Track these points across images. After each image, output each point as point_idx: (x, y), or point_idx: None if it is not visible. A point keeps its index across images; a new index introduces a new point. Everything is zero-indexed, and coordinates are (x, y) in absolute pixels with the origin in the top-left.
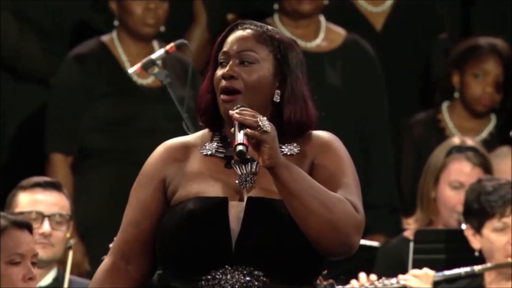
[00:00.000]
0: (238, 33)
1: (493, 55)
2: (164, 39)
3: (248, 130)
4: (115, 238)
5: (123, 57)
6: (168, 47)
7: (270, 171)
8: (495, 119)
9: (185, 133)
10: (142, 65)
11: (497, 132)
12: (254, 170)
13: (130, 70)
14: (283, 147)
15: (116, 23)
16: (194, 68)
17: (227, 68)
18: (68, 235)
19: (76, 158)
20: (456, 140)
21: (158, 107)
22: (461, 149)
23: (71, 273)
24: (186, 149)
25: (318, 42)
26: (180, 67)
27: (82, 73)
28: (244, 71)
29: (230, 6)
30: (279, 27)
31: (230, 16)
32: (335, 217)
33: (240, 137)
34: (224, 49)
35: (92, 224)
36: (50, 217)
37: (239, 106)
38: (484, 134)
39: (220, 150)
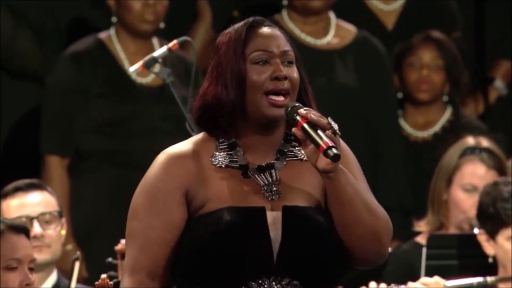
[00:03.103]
0: (267, 31)
1: (427, 42)
2: (165, 37)
3: (328, 132)
4: (128, 256)
5: (122, 55)
6: (171, 44)
7: (327, 175)
8: (450, 111)
9: (187, 134)
10: (144, 63)
11: (451, 125)
12: (275, 178)
13: (132, 69)
14: (295, 150)
15: (114, 19)
16: (198, 67)
17: (278, 68)
18: (63, 232)
19: (73, 161)
20: (470, 140)
21: (157, 107)
22: (475, 150)
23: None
24: (196, 159)
25: (328, 39)
26: (182, 65)
27: (78, 71)
28: (289, 72)
29: (236, 3)
30: (287, 23)
31: (236, 14)
32: (378, 226)
33: (325, 139)
34: (265, 47)
35: (89, 229)
36: (38, 218)
37: (296, 105)
38: (437, 127)
39: (233, 160)
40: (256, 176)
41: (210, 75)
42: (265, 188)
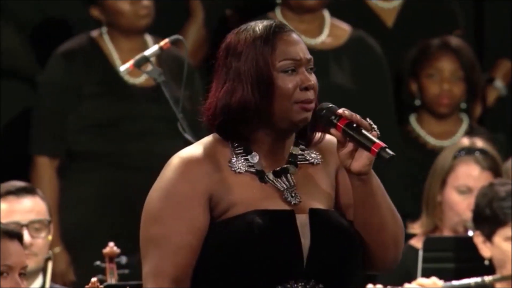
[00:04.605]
0: (292, 37)
1: (446, 51)
2: (159, 35)
3: (374, 133)
4: (149, 263)
5: (114, 54)
6: (162, 43)
7: (361, 177)
8: (467, 120)
9: (181, 136)
10: (135, 62)
11: (470, 134)
12: (292, 183)
13: (122, 68)
14: (305, 154)
15: (104, 29)
16: (190, 66)
17: (307, 78)
18: (50, 238)
19: (63, 161)
20: (465, 141)
21: (151, 108)
22: (470, 151)
23: (55, 282)
24: (214, 163)
25: (322, 39)
26: (177, 65)
27: (70, 70)
28: (313, 80)
29: (228, 2)
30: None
31: (228, 12)
32: (398, 232)
33: (376, 140)
34: (294, 56)
35: (79, 232)
36: (28, 225)
37: (330, 106)
38: (455, 139)
39: (250, 164)
40: (274, 181)
41: (229, 78)
42: (286, 192)
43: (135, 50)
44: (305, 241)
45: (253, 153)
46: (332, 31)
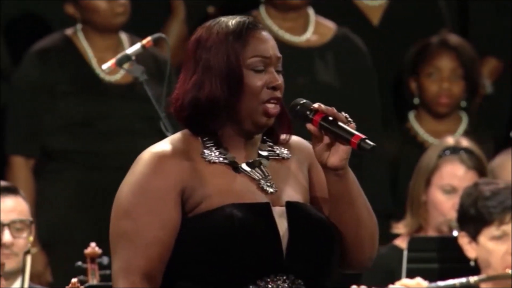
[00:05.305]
0: (264, 35)
1: (445, 50)
2: (138, 33)
3: (352, 125)
4: (120, 258)
5: (89, 53)
6: (145, 41)
7: (337, 172)
8: (466, 118)
9: (158, 134)
10: (117, 61)
11: (470, 131)
12: (267, 173)
13: (104, 66)
14: (274, 149)
15: (79, 26)
16: (172, 65)
17: (275, 78)
18: (31, 238)
19: (39, 161)
20: (450, 140)
21: (128, 106)
22: (455, 150)
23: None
24: (186, 156)
25: (307, 36)
26: (153, 63)
27: (44, 69)
28: (280, 80)
29: None
30: (265, 19)
31: (210, 9)
32: (374, 228)
33: (355, 132)
34: (264, 54)
35: (55, 233)
36: (9, 225)
37: (304, 101)
38: (458, 134)
39: (223, 156)
40: (249, 171)
41: (197, 71)
42: (262, 181)
43: (110, 48)
44: (283, 234)
45: (224, 146)
46: (317, 29)
